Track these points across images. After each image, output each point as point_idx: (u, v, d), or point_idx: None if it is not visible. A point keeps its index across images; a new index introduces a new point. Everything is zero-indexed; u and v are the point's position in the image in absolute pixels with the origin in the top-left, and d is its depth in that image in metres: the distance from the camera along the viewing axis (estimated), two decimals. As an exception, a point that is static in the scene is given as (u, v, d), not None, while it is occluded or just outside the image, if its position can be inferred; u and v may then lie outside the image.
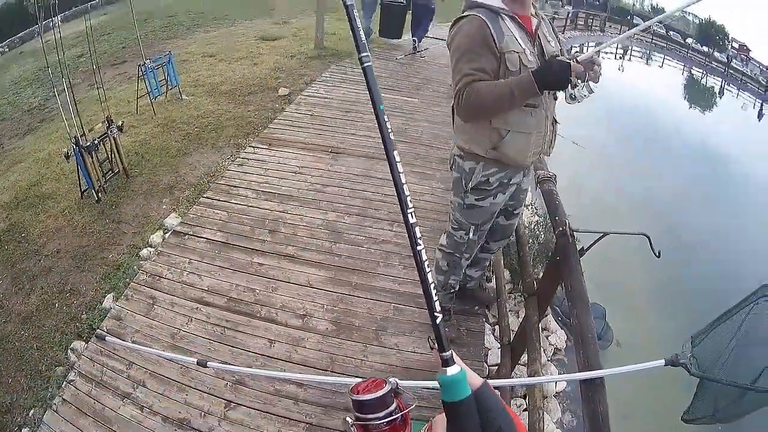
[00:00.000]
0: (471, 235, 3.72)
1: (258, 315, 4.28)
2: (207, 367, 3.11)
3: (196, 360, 3.07)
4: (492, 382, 2.91)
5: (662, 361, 2.51)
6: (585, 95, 2.81)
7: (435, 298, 1.13)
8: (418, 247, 1.18)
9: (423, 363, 4.09)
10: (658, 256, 3.13)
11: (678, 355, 2.52)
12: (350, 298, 4.59)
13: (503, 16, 2.98)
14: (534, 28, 3.08)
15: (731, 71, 54.57)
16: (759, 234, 13.19)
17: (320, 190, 6.13)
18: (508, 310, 4.60)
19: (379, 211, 5.85)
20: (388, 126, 1.26)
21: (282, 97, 9.16)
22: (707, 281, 9.27)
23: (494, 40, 2.92)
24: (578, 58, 2.81)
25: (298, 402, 3.65)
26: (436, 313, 1.12)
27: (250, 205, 5.71)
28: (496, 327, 4.82)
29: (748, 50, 65.79)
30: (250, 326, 4.17)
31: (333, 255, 5.07)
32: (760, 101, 44.79)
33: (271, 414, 3.55)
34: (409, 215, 1.20)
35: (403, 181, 1.23)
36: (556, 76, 2.79)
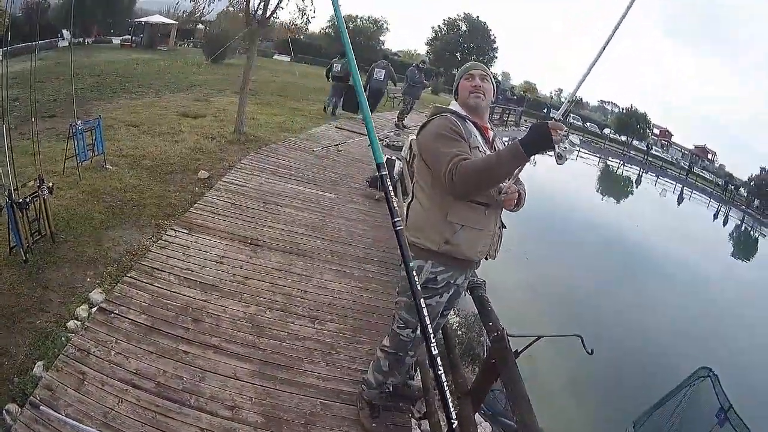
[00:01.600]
0: (418, 333, 3.86)
1: (188, 403, 4.26)
2: None
3: None
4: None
5: None
6: (569, 149, 2.84)
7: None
8: (440, 371, 1.34)
9: None
10: (591, 354, 3.40)
11: None
12: (277, 392, 4.63)
13: (468, 121, 3.44)
14: (491, 137, 3.58)
15: (650, 159, 57.28)
16: (684, 316, 13.93)
17: (242, 282, 6.20)
18: (436, 407, 4.68)
19: (299, 308, 5.97)
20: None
21: (202, 180, 9.26)
22: (639, 371, 9.75)
23: (464, 135, 3.33)
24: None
25: None
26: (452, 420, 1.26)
27: (172, 290, 5.70)
28: (422, 422, 4.96)
29: (670, 135, 69.27)
30: (181, 414, 4.14)
31: (257, 349, 5.13)
32: (681, 185, 47.23)
33: None
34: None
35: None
36: (539, 134, 2.86)
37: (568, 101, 3.32)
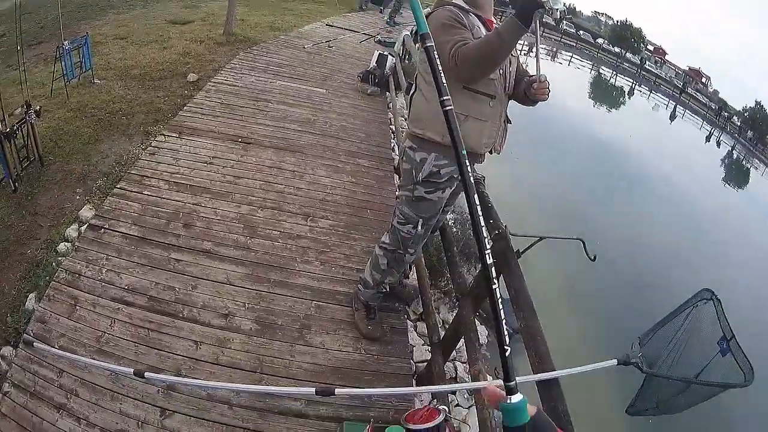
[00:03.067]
0: (419, 228, 3.71)
1: (181, 315, 4.11)
2: (145, 378, 3.01)
3: (132, 371, 2.98)
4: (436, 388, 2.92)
5: (615, 361, 2.67)
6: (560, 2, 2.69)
7: (505, 332, 1.14)
8: (495, 286, 1.19)
9: (350, 362, 4.06)
10: (593, 260, 3.25)
11: (629, 354, 2.68)
12: (270, 296, 4.48)
13: (471, 14, 3.16)
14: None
15: (644, 73, 55.98)
16: (678, 234, 13.75)
17: (233, 182, 5.97)
18: (433, 308, 4.58)
19: (292, 205, 5.78)
20: (470, 173, 1.26)
21: (191, 83, 8.89)
22: (639, 284, 9.66)
23: (467, 25, 3.07)
24: None
25: (232, 407, 3.52)
26: (506, 347, 1.13)
27: (162, 197, 5.48)
28: (417, 324, 4.87)
29: (664, 53, 67.70)
30: (174, 327, 4.00)
31: (249, 251, 4.95)
32: (674, 103, 46.36)
33: (207, 420, 3.41)
34: (487, 256, 1.24)
35: (482, 223, 1.21)
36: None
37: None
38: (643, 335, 2.79)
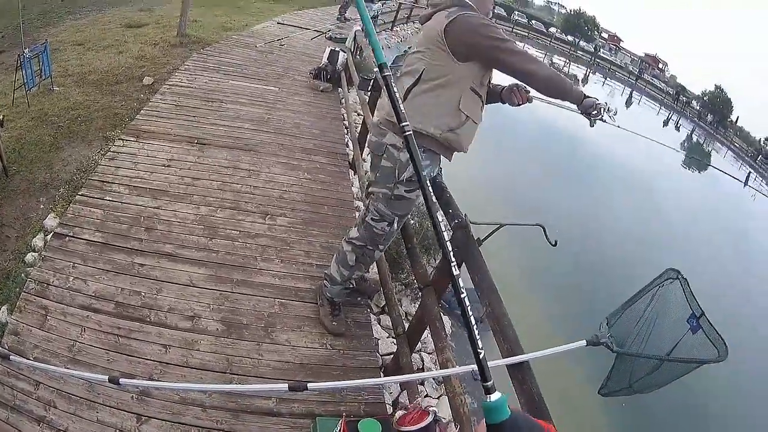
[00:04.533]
0: (394, 226, 3.78)
1: (148, 320, 4.09)
2: (120, 384, 2.97)
3: (107, 378, 2.94)
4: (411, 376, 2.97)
5: (584, 342, 2.65)
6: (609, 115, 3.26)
7: (477, 336, 1.21)
8: (463, 295, 1.24)
9: (317, 358, 4.08)
10: (555, 245, 3.33)
11: (597, 335, 2.66)
12: (234, 296, 4.50)
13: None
14: None
15: (599, 60, 56.01)
16: (639, 218, 13.88)
17: (191, 183, 5.97)
18: (395, 301, 4.61)
19: (250, 204, 5.81)
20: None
21: (147, 86, 8.85)
22: (601, 268, 9.82)
23: None
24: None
25: (206, 409, 3.51)
26: (479, 350, 1.19)
27: (124, 201, 5.44)
28: (381, 317, 4.93)
29: (619, 40, 68.01)
30: (142, 332, 3.97)
31: (210, 251, 4.96)
32: (630, 89, 46.37)
33: (182, 424, 3.39)
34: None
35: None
36: (594, 107, 3.20)
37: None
38: (610, 315, 2.76)
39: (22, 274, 4.49)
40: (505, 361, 2.51)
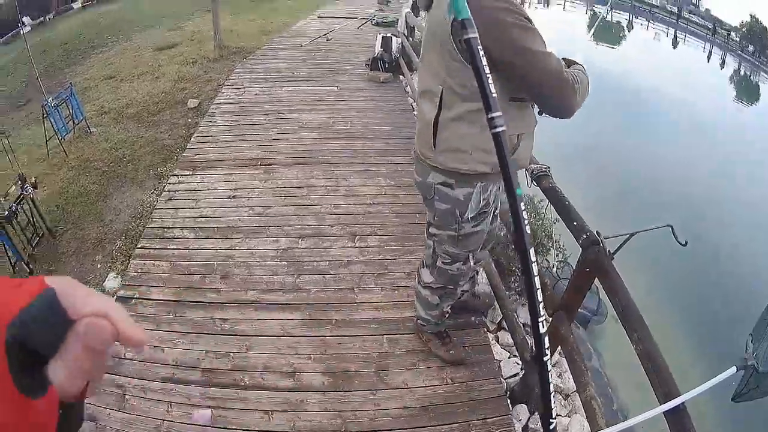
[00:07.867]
0: (470, 262, 3.21)
1: (242, 384, 3.65)
2: None
3: None
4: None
5: (734, 369, 2.30)
6: None
7: (553, 405, 0.92)
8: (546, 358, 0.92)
9: (440, 397, 3.58)
10: (685, 245, 2.78)
11: (746, 358, 2.34)
12: (336, 340, 3.99)
13: None
14: None
15: (636, 3, 55.20)
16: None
17: (263, 213, 5.47)
18: (519, 320, 4.10)
19: (333, 227, 5.27)
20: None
21: (192, 109, 8.51)
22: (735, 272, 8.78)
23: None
24: None
25: None
26: (552, 419, 0.93)
27: (191, 247, 4.99)
28: (499, 334, 4.38)
29: None
30: (238, 400, 3.54)
31: (299, 291, 4.44)
32: (673, 29, 45.75)
33: None
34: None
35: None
36: None
37: None
38: (753, 331, 2.41)
39: (89, 348, 4.00)
40: (662, 409, 2.10)
